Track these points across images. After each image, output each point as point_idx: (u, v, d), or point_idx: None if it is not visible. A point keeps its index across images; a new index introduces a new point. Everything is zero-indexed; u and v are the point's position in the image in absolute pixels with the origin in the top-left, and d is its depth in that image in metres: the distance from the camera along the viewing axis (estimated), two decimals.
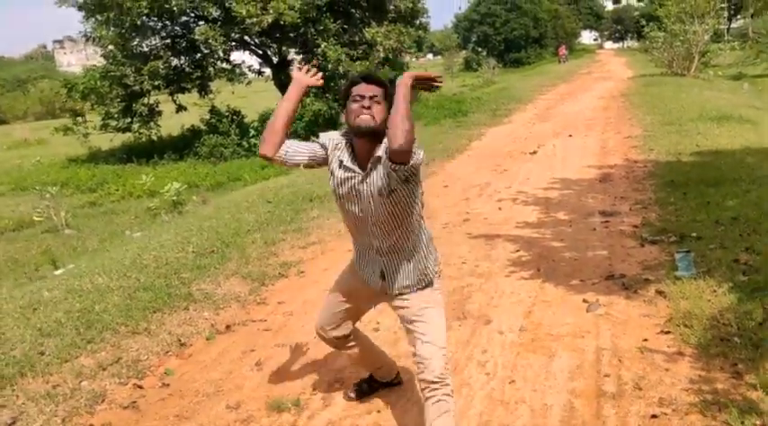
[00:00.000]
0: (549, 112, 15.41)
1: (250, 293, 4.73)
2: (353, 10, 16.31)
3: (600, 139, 10.52)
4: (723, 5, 28.31)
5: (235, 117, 16.58)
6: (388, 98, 2.42)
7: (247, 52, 17.47)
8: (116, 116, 16.70)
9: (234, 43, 16.22)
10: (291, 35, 15.61)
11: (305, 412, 3.07)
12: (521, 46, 48.60)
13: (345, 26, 15.93)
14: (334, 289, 2.87)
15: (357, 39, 16.10)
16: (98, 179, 14.04)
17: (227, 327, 4.18)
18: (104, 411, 3.22)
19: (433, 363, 2.45)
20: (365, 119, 2.38)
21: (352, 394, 3.13)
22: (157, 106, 17.02)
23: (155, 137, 17.45)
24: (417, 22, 18.24)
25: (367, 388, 3.14)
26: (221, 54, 16.09)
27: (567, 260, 4.89)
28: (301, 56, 16.77)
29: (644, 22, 26.69)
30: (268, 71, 17.96)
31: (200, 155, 15.24)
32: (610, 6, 75.41)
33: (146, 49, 15.87)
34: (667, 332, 3.50)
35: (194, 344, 3.95)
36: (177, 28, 16.36)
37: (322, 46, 15.13)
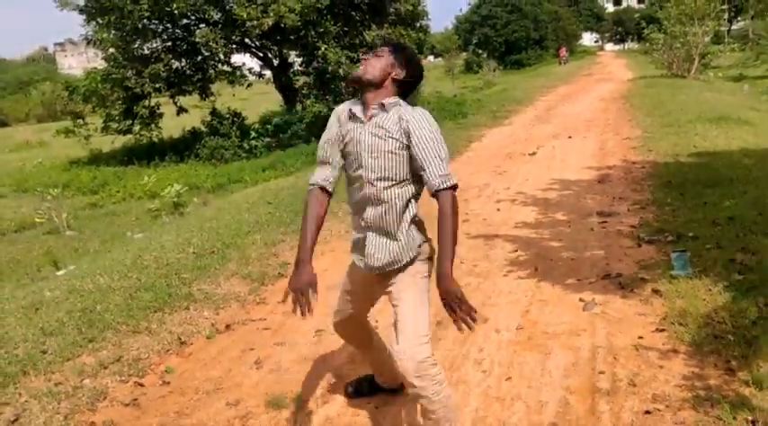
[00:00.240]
0: (548, 114, 15.45)
1: (250, 293, 4.78)
2: (354, 12, 16.36)
3: (599, 140, 10.57)
4: (723, 7, 28.35)
5: (236, 119, 16.65)
6: (394, 54, 2.50)
7: (248, 55, 17.53)
8: (117, 118, 16.78)
9: (234, 46, 16.29)
10: (292, 38, 15.65)
11: (304, 409, 3.11)
12: (521, 47, 48.69)
13: (346, 29, 15.99)
14: (341, 286, 2.87)
15: (357, 41, 16.16)
16: (99, 181, 14.12)
17: (227, 326, 4.22)
18: (106, 408, 3.26)
19: (405, 354, 2.34)
20: (357, 71, 2.50)
21: (350, 390, 3.15)
22: (158, 108, 17.09)
23: (156, 139, 17.52)
24: (418, 24, 18.31)
25: (367, 389, 3.13)
26: (222, 56, 16.17)
27: (564, 259, 4.93)
28: (302, 59, 16.84)
29: (644, 24, 26.71)
30: (269, 73, 18.02)
31: (200, 156, 15.30)
32: (610, 8, 75.53)
33: (147, 52, 15.94)
34: (662, 331, 3.54)
35: (194, 343, 3.99)
36: (178, 31, 16.42)
37: (322, 48, 15.19)
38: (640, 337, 3.50)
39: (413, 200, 2.53)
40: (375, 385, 3.12)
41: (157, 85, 15.60)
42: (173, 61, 16.11)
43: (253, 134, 15.74)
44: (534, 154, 9.87)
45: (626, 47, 68.61)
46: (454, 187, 2.36)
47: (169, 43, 16.29)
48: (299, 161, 12.86)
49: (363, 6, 16.30)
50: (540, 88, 23.25)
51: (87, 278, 5.17)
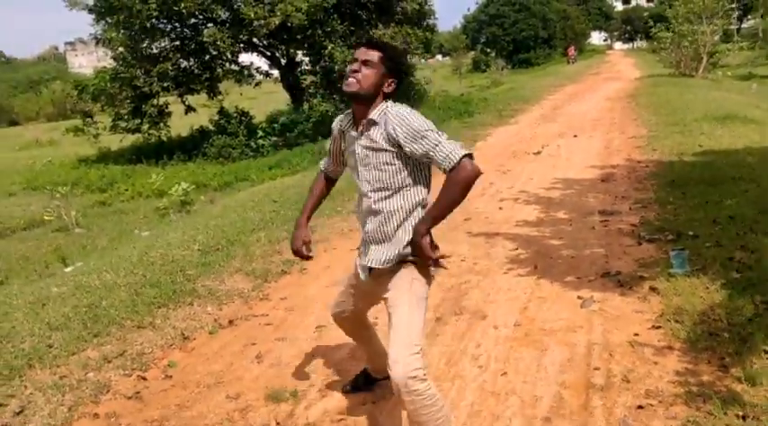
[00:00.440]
0: (555, 113, 15.46)
1: (253, 289, 4.84)
2: (360, 12, 16.44)
3: (604, 139, 10.57)
4: (732, 6, 28.24)
5: (243, 118, 16.76)
6: (386, 63, 2.42)
7: (255, 54, 17.63)
8: (126, 117, 16.94)
9: (242, 45, 16.39)
10: (299, 37, 15.75)
11: (302, 403, 3.17)
12: (530, 47, 48.62)
13: (352, 28, 16.07)
14: (345, 282, 2.91)
15: (364, 40, 16.21)
16: (108, 179, 14.25)
17: (230, 322, 4.29)
18: (109, 401, 3.33)
19: (395, 370, 2.30)
20: (349, 84, 2.41)
21: (348, 387, 3.20)
22: (167, 107, 17.24)
23: (164, 138, 17.68)
24: (425, 23, 18.36)
25: (363, 383, 3.18)
26: (229, 56, 16.27)
27: (564, 257, 4.96)
28: (309, 58, 16.92)
29: (652, 23, 26.63)
30: (276, 73, 18.12)
31: (208, 155, 15.42)
32: (619, 7, 75.29)
33: (155, 51, 16.09)
34: (658, 328, 3.57)
35: (197, 338, 4.06)
36: (186, 30, 16.56)
37: (329, 47, 15.27)
38: (636, 334, 3.53)
39: (419, 208, 2.48)
40: (370, 377, 3.17)
41: (165, 84, 15.75)
42: (181, 60, 16.26)
43: (260, 133, 15.85)
44: (539, 153, 9.89)
45: (635, 45, 68.40)
46: (465, 156, 2.27)
47: (177, 42, 16.43)
48: (306, 160, 12.93)
49: (370, 5, 16.37)
50: (547, 87, 23.23)
51: (94, 274, 5.25)
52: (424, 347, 3.57)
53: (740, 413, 2.67)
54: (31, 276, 6.93)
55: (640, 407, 2.85)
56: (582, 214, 6.14)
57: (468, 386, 3.18)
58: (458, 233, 5.85)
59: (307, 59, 17.35)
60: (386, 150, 2.40)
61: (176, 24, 16.33)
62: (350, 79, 2.41)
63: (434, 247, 2.40)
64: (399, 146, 2.37)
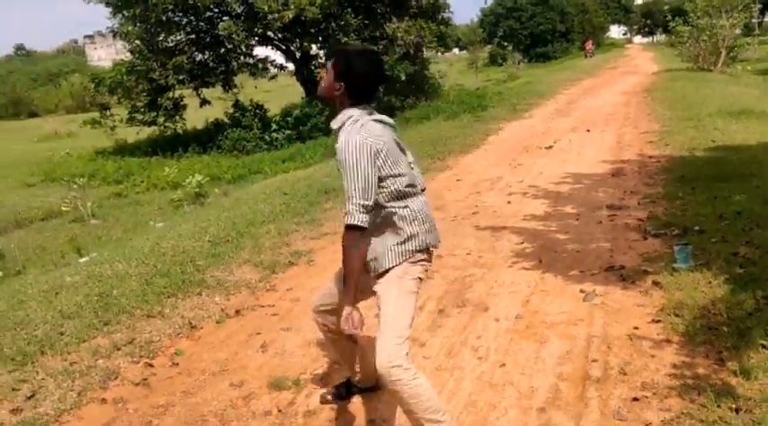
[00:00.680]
0: (569, 107, 15.39)
1: (260, 280, 4.92)
2: (374, 5, 16.45)
3: (617, 134, 10.53)
4: None
5: (258, 111, 16.88)
6: (336, 68, 2.49)
7: (270, 47, 17.73)
8: (142, 110, 17.12)
9: (257, 38, 16.49)
10: (313, 30, 15.82)
11: (303, 391, 3.24)
12: (547, 40, 48.37)
13: (366, 21, 16.09)
14: (332, 281, 2.92)
15: (378, 34, 16.26)
16: (124, 171, 14.44)
17: (237, 312, 4.37)
18: (117, 387, 3.42)
19: (379, 360, 2.37)
20: (318, 88, 2.67)
21: (329, 397, 3.12)
22: (182, 100, 17.39)
23: (180, 131, 17.85)
24: (439, 17, 18.33)
25: (345, 393, 3.13)
26: (244, 49, 16.37)
27: (569, 251, 4.99)
28: (323, 51, 16.98)
29: (670, 17, 26.35)
30: (291, 66, 18.21)
31: (223, 148, 15.56)
32: (639, 0, 74.45)
33: (171, 45, 16.25)
34: (658, 321, 3.59)
35: (204, 327, 4.14)
36: (202, 23, 16.70)
37: (343, 41, 15.30)
38: (636, 327, 3.56)
39: (393, 204, 2.51)
40: (351, 386, 3.13)
41: (181, 77, 15.89)
42: (196, 53, 16.42)
43: (274, 126, 15.96)
44: (551, 147, 9.88)
45: (654, 39, 67.67)
46: (349, 227, 2.37)
47: (193, 36, 16.57)
48: (318, 153, 13.02)
49: None
50: (563, 81, 23.10)
51: (106, 264, 5.36)
52: (426, 338, 3.66)
53: (733, 406, 2.70)
54: (47, 266, 7.06)
55: (635, 399, 2.88)
56: (590, 208, 6.15)
57: (466, 377, 3.23)
58: (464, 226, 5.90)
59: (321, 53, 17.42)
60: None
61: (192, 18, 16.47)
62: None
63: (356, 321, 2.44)
64: None
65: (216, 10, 16.27)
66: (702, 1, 22.72)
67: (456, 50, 72.37)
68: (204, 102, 17.52)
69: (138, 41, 16.16)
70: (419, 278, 2.58)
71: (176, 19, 16.21)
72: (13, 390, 3.34)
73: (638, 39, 73.23)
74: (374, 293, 2.62)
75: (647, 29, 72.90)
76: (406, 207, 2.52)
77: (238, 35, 14.80)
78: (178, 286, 4.72)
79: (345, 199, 2.38)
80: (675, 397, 2.85)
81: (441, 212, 6.46)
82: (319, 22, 15.16)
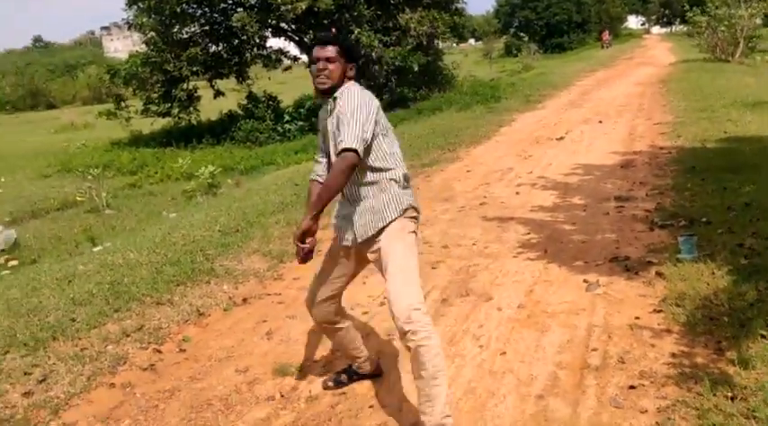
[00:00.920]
0: (583, 98, 15.32)
1: (268, 269, 4.99)
2: None
3: (629, 126, 10.48)
4: None
5: (271, 102, 16.95)
6: (344, 54, 2.68)
7: (284, 38, 17.77)
8: (156, 101, 17.26)
9: (270, 29, 16.53)
10: (326, 21, 15.81)
11: (306, 377, 3.31)
12: (563, 31, 48.01)
13: (379, 12, 16.07)
14: (321, 263, 3.00)
15: (391, 25, 16.24)
16: (138, 162, 14.59)
17: (244, 300, 4.44)
18: (125, 371, 3.51)
19: (397, 306, 2.45)
20: (323, 82, 2.67)
21: (331, 383, 3.18)
22: (196, 92, 17.49)
23: (194, 122, 17.98)
24: (453, 7, 18.27)
25: (346, 379, 3.19)
26: (257, 40, 16.42)
27: (575, 242, 5.00)
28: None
29: (688, 7, 26.05)
30: (305, 57, 18.24)
31: (236, 139, 15.66)
32: None
33: (185, 36, 16.35)
34: (659, 311, 3.61)
35: (212, 314, 4.22)
36: (215, 15, 16.76)
37: (356, 32, 15.31)
38: (637, 317, 3.58)
39: (386, 168, 2.69)
40: (354, 373, 3.19)
41: (195, 69, 16.00)
42: (210, 45, 16.51)
43: (287, 117, 16.02)
44: (562, 138, 9.86)
45: (673, 29, 66.84)
46: (347, 150, 2.51)
47: (207, 27, 16.65)
48: None
49: None
50: (578, 72, 22.96)
51: (118, 253, 5.45)
52: None
53: (729, 394, 2.72)
54: (61, 255, 7.20)
55: (632, 387, 2.91)
56: (598, 200, 6.16)
57: (467, 365, 3.28)
58: (471, 217, 5.92)
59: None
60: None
61: (206, 9, 16.55)
62: (320, 78, 2.66)
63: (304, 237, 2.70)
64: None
65: (230, 1, 16.35)
66: None
67: (471, 41, 72.02)
68: (218, 94, 17.62)
69: (152, 33, 16.27)
70: (415, 233, 2.73)
71: (190, 10, 16.29)
72: (26, 374, 3.43)
73: (656, 29, 72.32)
74: (365, 264, 2.80)
75: (665, 19, 71.95)
76: (394, 168, 2.71)
77: (252, 26, 14.84)
78: (187, 274, 4.80)
79: (338, 143, 2.56)
80: (672, 386, 2.88)
81: (449, 203, 6.50)
82: (332, 13, 15.17)
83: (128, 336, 3.88)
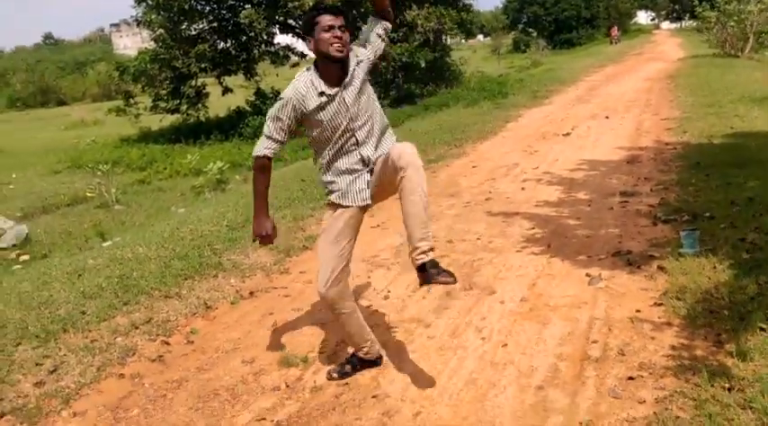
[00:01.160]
0: (590, 94, 15.30)
1: (275, 263, 5.06)
2: None
3: (636, 121, 10.47)
4: None
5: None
6: (347, 23, 2.86)
7: (291, 35, 17.83)
8: (165, 98, 17.38)
9: (278, 26, 16.59)
10: None
11: (311, 368, 3.37)
12: (572, 27, 47.88)
13: None
14: (324, 240, 3.06)
15: (398, 21, 16.24)
16: (148, 158, 14.70)
17: (251, 293, 4.51)
18: (134, 363, 3.58)
19: (401, 152, 2.68)
20: (339, 49, 2.76)
21: (335, 374, 3.22)
22: (204, 88, 17.59)
23: (202, 119, 18.08)
24: (460, 3, 18.27)
25: (350, 369, 3.24)
26: (265, 37, 16.49)
27: (578, 237, 5.04)
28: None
29: (697, 2, 25.91)
30: (312, 54, 18.29)
31: (244, 135, 15.74)
32: None
33: (193, 33, 16.44)
34: (660, 305, 3.65)
35: (219, 307, 4.29)
36: (224, 11, 16.84)
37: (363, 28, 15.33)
38: (638, 310, 3.62)
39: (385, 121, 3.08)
40: (358, 361, 3.24)
41: (203, 65, 16.09)
42: (218, 42, 16.59)
43: None
44: (568, 134, 9.87)
45: (683, 25, 66.46)
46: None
47: (215, 24, 16.73)
48: None
49: None
50: (586, 68, 22.91)
51: (127, 248, 5.53)
52: (431, 319, 3.77)
53: (726, 386, 2.76)
54: (71, 249, 7.30)
55: (631, 378, 2.96)
56: (602, 195, 6.18)
57: (469, 356, 3.33)
58: (476, 212, 5.97)
59: None
60: (366, 82, 2.94)
61: (214, 6, 16.64)
62: (337, 45, 2.75)
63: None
64: (369, 62, 2.96)
65: None
66: None
67: (480, 37, 71.90)
68: (226, 90, 17.71)
69: (161, 30, 16.37)
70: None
71: (199, 7, 16.39)
72: (37, 365, 3.51)
73: (665, 24, 71.98)
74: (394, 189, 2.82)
75: (675, 14, 71.53)
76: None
77: (259, 23, 14.90)
78: (195, 268, 4.87)
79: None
80: (671, 377, 2.92)
81: (454, 198, 6.55)
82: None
83: (136, 328, 3.96)
